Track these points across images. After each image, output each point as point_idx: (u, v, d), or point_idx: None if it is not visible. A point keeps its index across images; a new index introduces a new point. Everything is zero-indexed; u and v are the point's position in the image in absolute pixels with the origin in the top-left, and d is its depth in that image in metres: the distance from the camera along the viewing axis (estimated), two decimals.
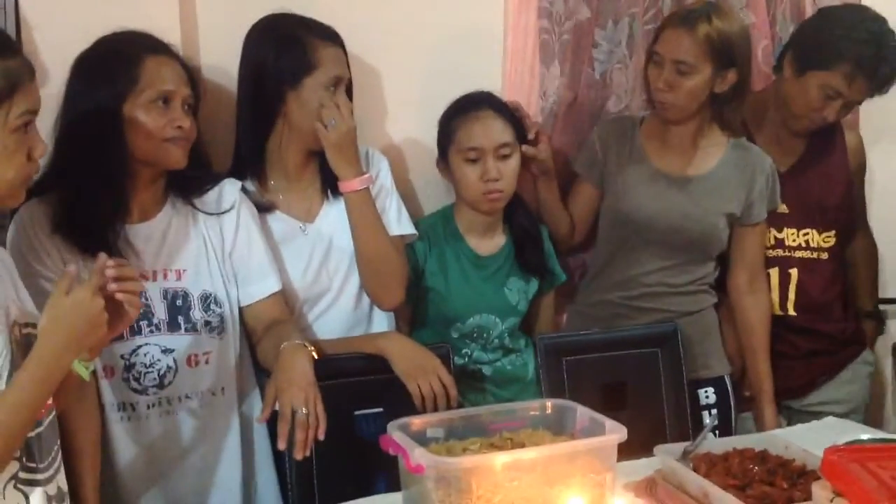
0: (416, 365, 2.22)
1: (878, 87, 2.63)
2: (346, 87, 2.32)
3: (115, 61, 2.05)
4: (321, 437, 1.96)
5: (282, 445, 1.95)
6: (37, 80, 1.66)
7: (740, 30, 2.58)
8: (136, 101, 2.03)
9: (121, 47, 2.07)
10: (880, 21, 2.62)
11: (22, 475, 1.63)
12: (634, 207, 2.62)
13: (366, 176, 2.29)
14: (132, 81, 2.03)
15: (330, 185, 2.37)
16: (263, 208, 2.33)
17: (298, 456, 1.95)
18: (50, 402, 1.71)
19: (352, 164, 2.26)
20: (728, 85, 2.55)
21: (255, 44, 2.31)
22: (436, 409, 2.17)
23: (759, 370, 2.72)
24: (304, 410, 1.95)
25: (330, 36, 2.30)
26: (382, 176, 2.43)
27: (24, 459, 1.63)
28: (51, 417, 1.72)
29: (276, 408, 1.99)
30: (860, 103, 2.71)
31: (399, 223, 2.43)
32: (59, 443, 1.75)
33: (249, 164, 2.35)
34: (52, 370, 1.60)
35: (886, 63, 2.57)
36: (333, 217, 2.39)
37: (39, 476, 1.65)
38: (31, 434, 1.64)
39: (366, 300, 2.42)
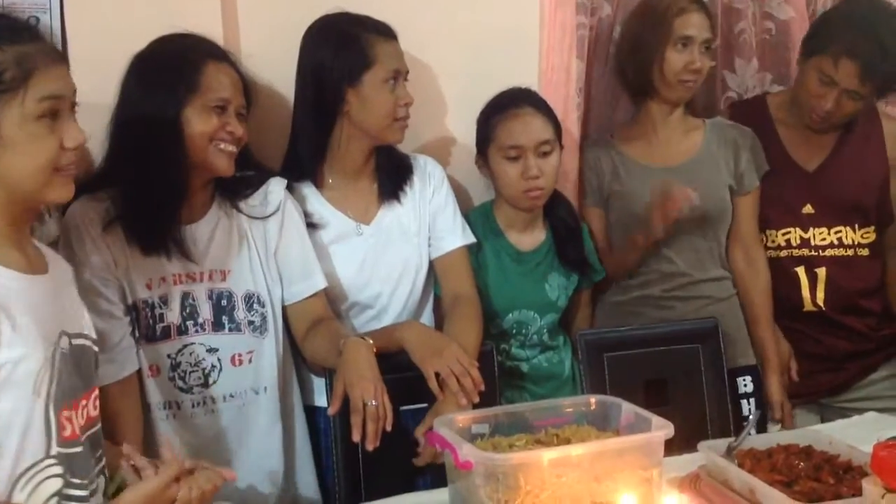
0: (431, 349, 2.15)
1: (883, 82, 2.56)
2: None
3: (177, 65, 2.05)
4: (388, 428, 2.00)
5: (356, 437, 2.00)
6: (65, 67, 1.60)
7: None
8: (195, 106, 2.03)
9: (184, 51, 2.08)
10: (889, 14, 2.58)
11: (66, 491, 1.61)
12: (641, 206, 2.59)
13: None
14: (193, 86, 2.03)
15: (385, 187, 2.39)
16: (311, 224, 2.33)
17: (370, 447, 2.00)
18: (95, 414, 1.69)
19: None
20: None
21: (312, 44, 2.31)
22: (462, 391, 2.10)
23: (762, 338, 2.72)
24: (374, 403, 1.99)
25: (385, 31, 2.31)
26: (446, 187, 2.45)
27: (68, 476, 1.61)
28: (90, 432, 1.68)
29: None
30: (864, 98, 2.59)
31: (464, 234, 2.45)
32: (100, 452, 1.72)
33: (307, 163, 2.36)
34: None
35: (889, 56, 2.49)
36: (390, 221, 2.40)
37: (84, 492, 1.63)
38: (73, 451, 1.62)
39: (411, 305, 2.42)
